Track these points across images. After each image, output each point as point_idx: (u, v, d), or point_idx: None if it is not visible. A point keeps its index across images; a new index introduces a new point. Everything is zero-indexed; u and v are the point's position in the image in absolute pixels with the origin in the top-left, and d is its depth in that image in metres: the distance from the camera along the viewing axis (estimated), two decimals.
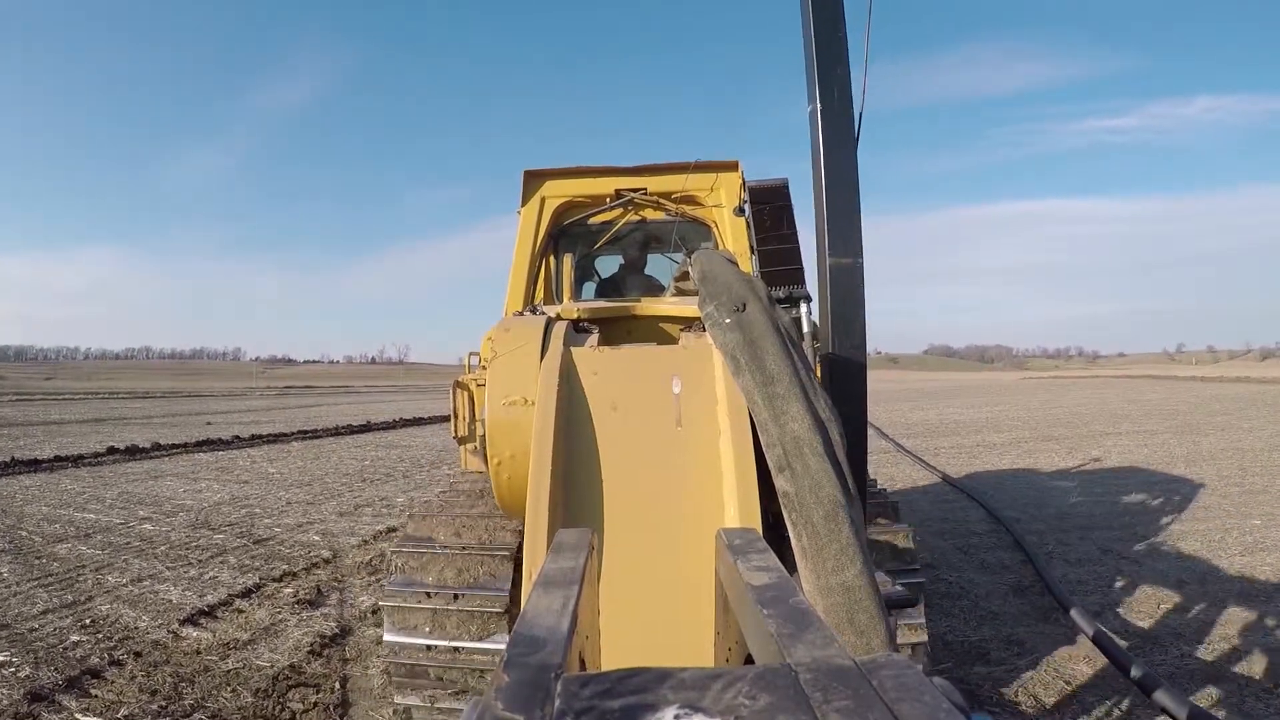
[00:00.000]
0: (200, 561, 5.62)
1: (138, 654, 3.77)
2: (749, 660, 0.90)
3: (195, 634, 4.05)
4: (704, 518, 1.90)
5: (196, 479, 10.00)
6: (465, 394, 2.77)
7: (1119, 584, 4.76)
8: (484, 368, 2.49)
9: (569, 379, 2.10)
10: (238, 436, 15.90)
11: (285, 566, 5.39)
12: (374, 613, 4.30)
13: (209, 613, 4.40)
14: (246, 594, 4.77)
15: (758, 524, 1.82)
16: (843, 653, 0.61)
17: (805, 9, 2.73)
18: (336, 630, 4.08)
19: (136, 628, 4.17)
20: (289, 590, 4.82)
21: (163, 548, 6.05)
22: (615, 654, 1.22)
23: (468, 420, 2.78)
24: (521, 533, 2.39)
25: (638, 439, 2.02)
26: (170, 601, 4.63)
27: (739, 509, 1.87)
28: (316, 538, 6.34)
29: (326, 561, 5.56)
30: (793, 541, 1.78)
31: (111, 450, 12.90)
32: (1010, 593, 4.61)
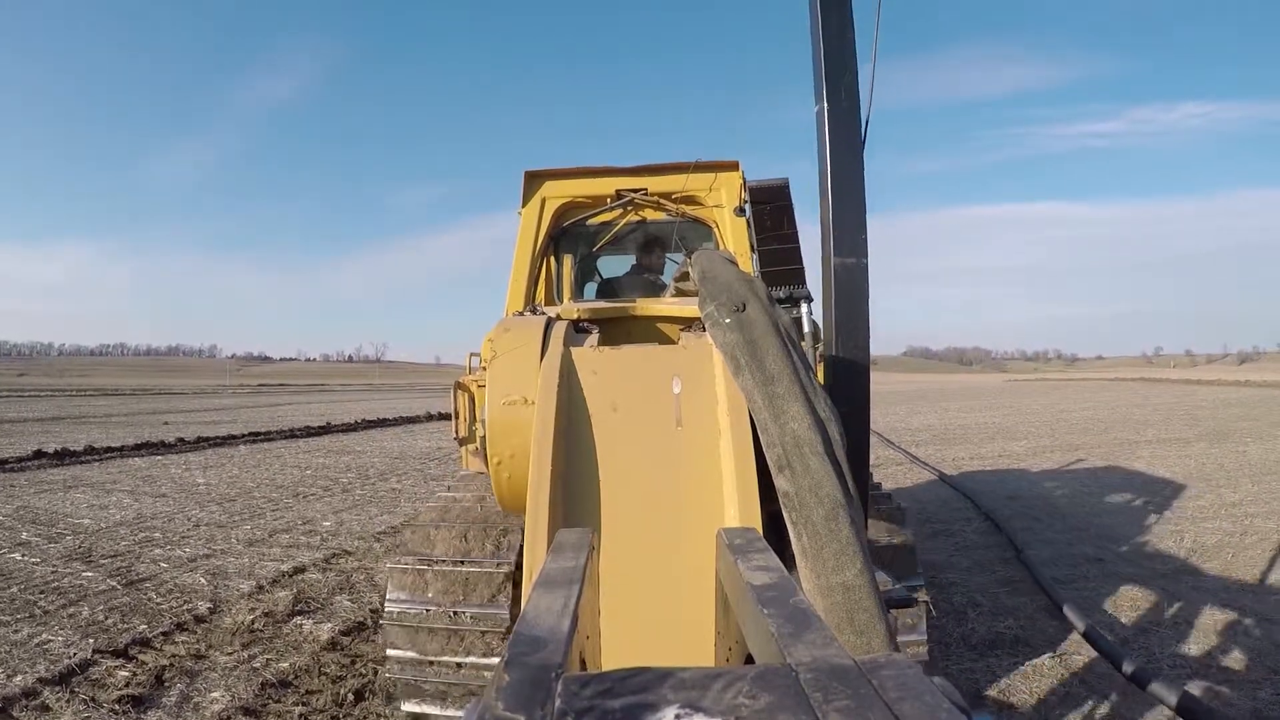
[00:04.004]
0: (45, 614, 4.49)
1: None
2: (749, 660, 0.90)
3: None
4: (704, 518, 1.90)
5: (112, 490, 9.10)
6: (465, 395, 2.77)
7: None
8: (484, 368, 2.50)
9: (569, 379, 2.10)
10: (181, 439, 14.89)
11: (143, 627, 4.23)
12: None
13: (2, 710, 3.31)
14: (66, 677, 3.56)
15: (758, 524, 1.82)
16: (843, 652, 0.62)
17: (814, 9, 2.73)
18: None
19: None
20: (125, 673, 3.61)
21: (14, 589, 4.96)
22: (616, 654, 1.22)
23: (468, 421, 2.78)
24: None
25: (638, 439, 2.02)
26: None
27: (739, 509, 1.87)
28: (203, 580, 5.22)
29: (199, 620, 4.34)
30: (792, 541, 1.78)
31: (39, 454, 11.97)
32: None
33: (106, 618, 4.43)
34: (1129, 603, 4.59)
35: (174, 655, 3.87)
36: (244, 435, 16.25)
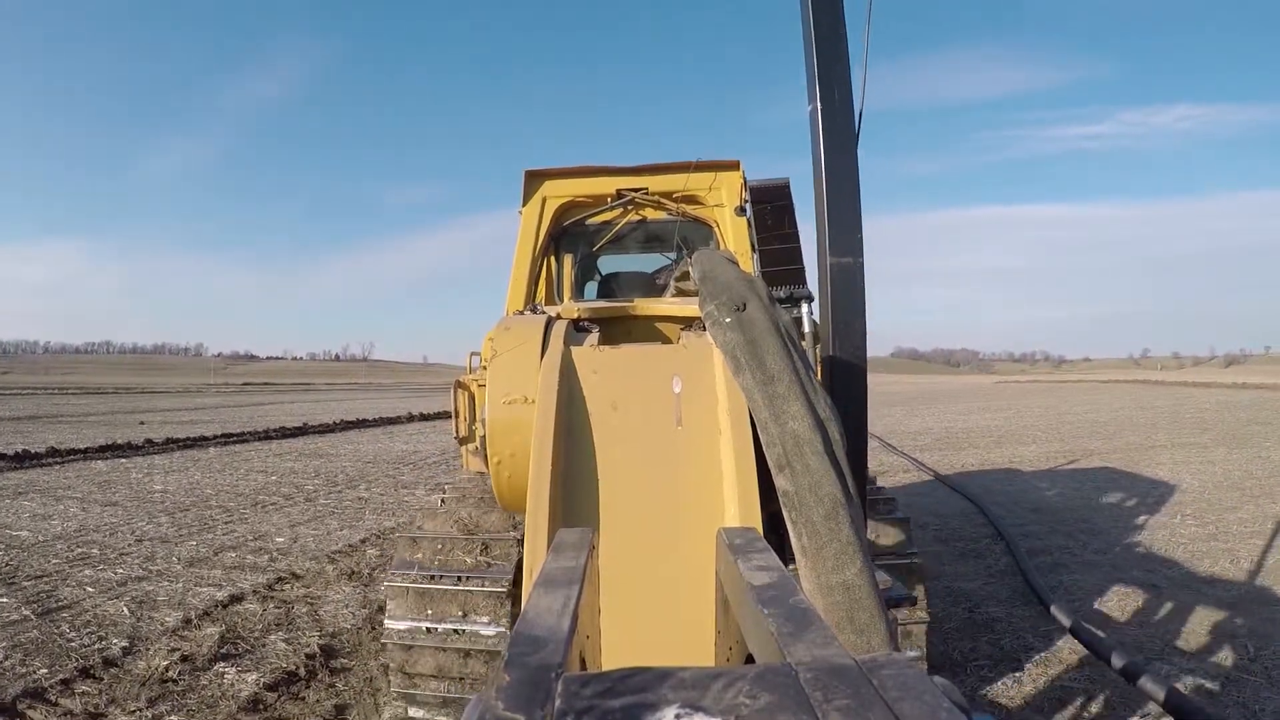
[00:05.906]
0: None
1: None
2: (749, 659, 0.90)
3: None
4: (704, 517, 1.90)
5: (63, 498, 8.55)
6: (466, 394, 2.77)
7: None
8: (484, 367, 2.50)
9: (569, 378, 2.10)
10: (150, 440, 14.22)
11: (44, 672, 3.68)
12: None
13: None
14: None
15: (758, 523, 1.82)
16: (843, 652, 0.62)
17: (805, 8, 2.73)
18: None
19: None
20: None
21: None
22: (616, 653, 1.22)
23: (468, 420, 2.78)
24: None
25: (638, 438, 2.02)
26: None
27: (739, 508, 1.87)
28: (126, 610, 4.59)
29: (108, 664, 3.78)
30: (792, 540, 1.78)
31: None
32: None
33: (6, 658, 3.90)
34: (1208, 644, 4.00)
35: (67, 713, 3.31)
36: (216, 437, 15.58)
